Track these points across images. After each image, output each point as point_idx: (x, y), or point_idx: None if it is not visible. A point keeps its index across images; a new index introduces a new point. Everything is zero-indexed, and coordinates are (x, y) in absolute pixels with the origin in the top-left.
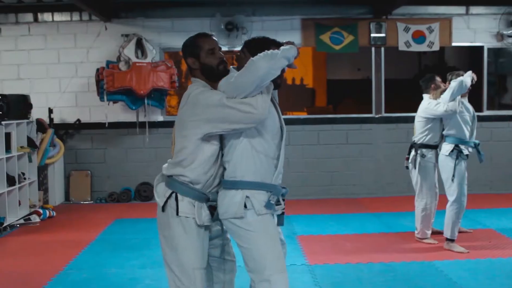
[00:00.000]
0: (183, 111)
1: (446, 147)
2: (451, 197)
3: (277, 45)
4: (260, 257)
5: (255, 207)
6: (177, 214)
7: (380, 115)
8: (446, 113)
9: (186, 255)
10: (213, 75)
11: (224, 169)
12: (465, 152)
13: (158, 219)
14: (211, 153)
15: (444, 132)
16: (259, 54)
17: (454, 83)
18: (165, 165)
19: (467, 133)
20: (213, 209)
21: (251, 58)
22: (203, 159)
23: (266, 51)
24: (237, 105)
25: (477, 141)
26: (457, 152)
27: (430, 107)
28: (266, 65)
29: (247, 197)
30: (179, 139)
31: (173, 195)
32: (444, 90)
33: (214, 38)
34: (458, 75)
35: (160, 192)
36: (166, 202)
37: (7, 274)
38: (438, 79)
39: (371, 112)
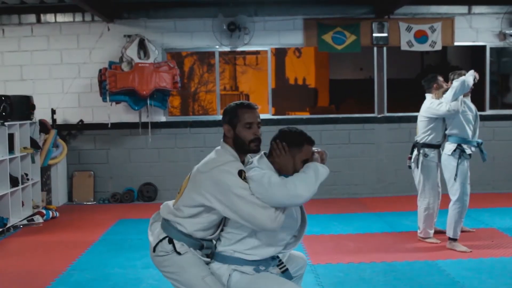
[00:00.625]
0: (203, 178)
1: (449, 147)
2: (453, 197)
3: (309, 142)
4: None
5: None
6: (178, 253)
7: (382, 115)
8: (449, 112)
9: (191, 272)
10: (243, 150)
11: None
12: (468, 151)
13: (152, 257)
14: (215, 220)
15: (446, 132)
16: (299, 175)
17: (456, 83)
18: (164, 206)
19: (470, 133)
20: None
21: (294, 180)
22: (206, 222)
23: (307, 172)
24: (256, 209)
25: (480, 140)
26: (459, 152)
27: (433, 107)
28: (306, 195)
29: (232, 270)
30: (189, 197)
31: (167, 239)
32: (446, 90)
33: (256, 111)
34: (460, 75)
35: (156, 233)
36: (158, 243)
37: (11, 274)
38: (440, 78)
39: (373, 112)
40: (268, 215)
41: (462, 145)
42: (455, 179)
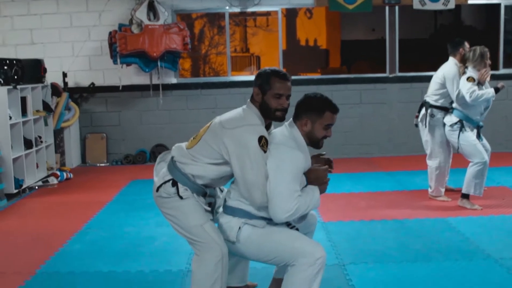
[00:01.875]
0: (227, 134)
1: (450, 118)
2: (469, 159)
3: (331, 109)
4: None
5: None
6: (181, 198)
7: (394, 75)
8: (470, 101)
9: (190, 218)
10: (267, 115)
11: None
12: (468, 129)
13: (154, 197)
14: (227, 172)
15: (453, 104)
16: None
17: (487, 95)
18: (177, 148)
19: (477, 116)
20: (209, 205)
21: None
22: (216, 172)
23: (312, 196)
24: (258, 181)
25: (481, 123)
26: (460, 125)
27: (464, 86)
28: (305, 209)
29: (243, 223)
30: (207, 147)
31: (171, 181)
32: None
33: (288, 83)
34: (475, 54)
35: (161, 174)
36: (161, 184)
37: (28, 233)
38: (467, 45)
39: (385, 72)
40: (264, 193)
41: (464, 121)
42: (459, 147)
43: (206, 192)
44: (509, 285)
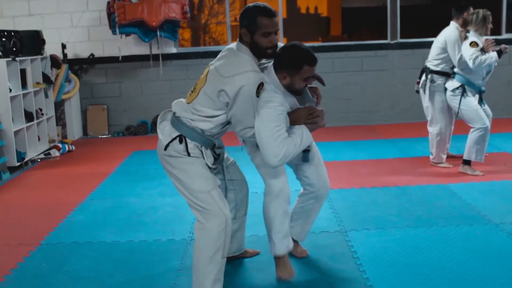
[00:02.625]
0: (225, 82)
1: (452, 83)
2: (471, 124)
3: (309, 62)
4: None
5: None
6: (189, 155)
7: (395, 41)
8: (473, 67)
9: (198, 182)
10: (259, 54)
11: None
12: (469, 94)
13: (161, 157)
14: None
15: (455, 69)
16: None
17: (490, 60)
18: (177, 103)
19: (479, 81)
20: (216, 155)
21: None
22: (222, 121)
23: (301, 134)
24: (251, 126)
25: (483, 88)
26: (462, 90)
27: (467, 51)
28: (296, 149)
29: None
30: (207, 97)
31: (178, 137)
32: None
33: (275, 19)
34: (478, 18)
35: (166, 131)
36: (170, 142)
37: (31, 205)
38: (471, 10)
39: (386, 38)
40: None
41: (466, 86)
42: (459, 112)
43: (215, 144)
44: (510, 249)
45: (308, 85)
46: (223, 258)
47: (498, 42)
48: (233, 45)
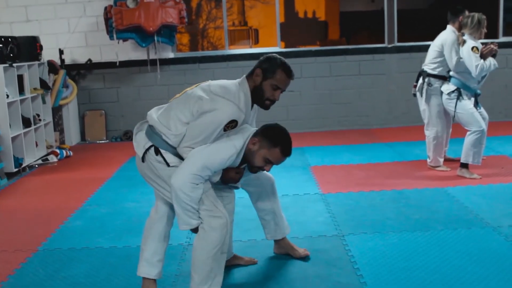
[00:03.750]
0: (209, 93)
1: (448, 87)
2: (467, 127)
3: (286, 71)
4: None
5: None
6: (168, 165)
7: (393, 45)
8: (476, 74)
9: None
10: (256, 100)
11: None
12: (465, 98)
13: (141, 169)
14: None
15: (451, 73)
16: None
17: (491, 66)
18: (152, 113)
19: (475, 84)
20: None
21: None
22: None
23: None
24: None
25: (479, 91)
26: (457, 94)
27: (470, 58)
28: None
29: None
30: (178, 114)
31: (153, 148)
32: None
33: (290, 82)
34: (473, 21)
35: (140, 142)
36: (145, 153)
37: (29, 211)
38: (467, 13)
39: (383, 42)
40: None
41: (461, 90)
42: (455, 115)
43: None
44: (507, 252)
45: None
46: (222, 254)
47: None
48: (238, 80)
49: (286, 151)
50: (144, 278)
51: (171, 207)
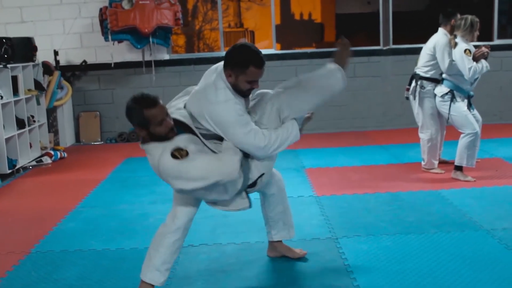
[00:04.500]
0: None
1: (441, 89)
2: (461, 130)
3: (255, 64)
4: None
5: None
6: None
7: (388, 47)
8: (469, 77)
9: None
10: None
11: None
12: (458, 100)
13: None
14: None
15: (443, 75)
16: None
17: (480, 69)
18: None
19: (467, 86)
20: None
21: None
22: None
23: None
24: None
25: (472, 93)
26: (451, 96)
27: (462, 61)
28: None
29: None
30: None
31: None
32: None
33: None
34: (466, 24)
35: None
36: None
37: (22, 213)
38: (459, 16)
39: (379, 45)
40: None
41: (454, 92)
42: (449, 118)
43: None
44: (500, 255)
45: (254, 88)
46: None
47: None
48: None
49: (259, 64)
50: (145, 282)
51: (190, 219)
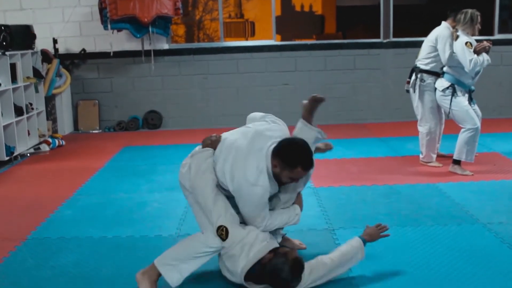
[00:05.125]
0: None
1: (442, 83)
2: (461, 125)
3: (303, 166)
4: None
5: None
6: None
7: (388, 40)
8: (470, 69)
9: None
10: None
11: None
12: (459, 94)
13: None
14: None
15: (444, 68)
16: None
17: (484, 61)
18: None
19: (469, 80)
20: None
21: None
22: None
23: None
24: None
25: (473, 87)
26: (452, 90)
27: (463, 53)
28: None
29: None
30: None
31: None
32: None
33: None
34: (466, 17)
35: None
36: None
37: (19, 200)
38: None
39: (379, 37)
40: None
41: (455, 85)
42: (450, 112)
43: None
44: (496, 249)
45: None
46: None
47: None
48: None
49: (307, 167)
50: (156, 268)
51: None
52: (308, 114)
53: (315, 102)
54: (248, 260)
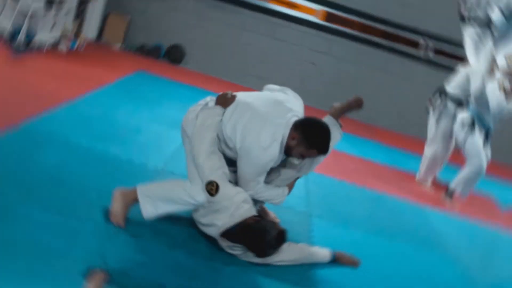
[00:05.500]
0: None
1: (463, 116)
2: (469, 160)
3: (320, 150)
4: None
5: None
6: None
7: (427, 57)
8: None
9: None
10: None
11: None
12: (477, 132)
13: None
14: None
15: (470, 99)
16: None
17: (507, 108)
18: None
19: (491, 120)
20: None
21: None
22: None
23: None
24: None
25: (491, 126)
26: (471, 124)
27: (495, 95)
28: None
29: None
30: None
31: None
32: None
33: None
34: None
35: None
36: None
37: (23, 89)
38: None
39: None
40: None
41: (475, 120)
42: (464, 147)
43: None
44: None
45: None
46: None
47: None
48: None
49: (321, 152)
50: (133, 194)
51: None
52: (340, 114)
53: (357, 106)
54: (232, 219)
